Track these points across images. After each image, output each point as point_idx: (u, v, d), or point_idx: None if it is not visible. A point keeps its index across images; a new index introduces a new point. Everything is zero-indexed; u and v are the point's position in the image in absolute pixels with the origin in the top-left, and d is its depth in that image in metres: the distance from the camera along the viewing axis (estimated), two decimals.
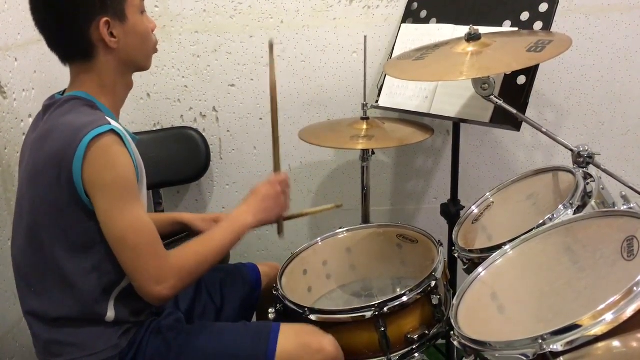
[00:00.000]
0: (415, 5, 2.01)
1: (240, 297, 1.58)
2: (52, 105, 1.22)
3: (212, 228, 1.53)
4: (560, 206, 1.31)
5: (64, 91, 1.27)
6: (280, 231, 1.53)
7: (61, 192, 1.14)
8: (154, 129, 2.19)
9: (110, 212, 1.15)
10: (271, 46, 1.45)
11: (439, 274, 1.43)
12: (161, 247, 1.20)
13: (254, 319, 1.67)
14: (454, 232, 1.59)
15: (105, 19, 1.18)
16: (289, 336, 1.31)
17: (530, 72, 1.62)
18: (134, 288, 1.20)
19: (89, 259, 1.19)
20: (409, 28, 1.99)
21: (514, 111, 1.53)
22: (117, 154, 1.15)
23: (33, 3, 1.20)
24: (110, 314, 1.23)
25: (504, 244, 1.33)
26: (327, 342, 1.32)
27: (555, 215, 1.31)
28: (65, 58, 1.24)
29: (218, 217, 1.60)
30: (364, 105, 1.88)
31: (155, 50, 1.33)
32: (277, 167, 1.51)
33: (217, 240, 1.30)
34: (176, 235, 1.63)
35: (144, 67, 1.32)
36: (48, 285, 1.22)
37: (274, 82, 1.45)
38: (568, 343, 0.93)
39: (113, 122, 1.17)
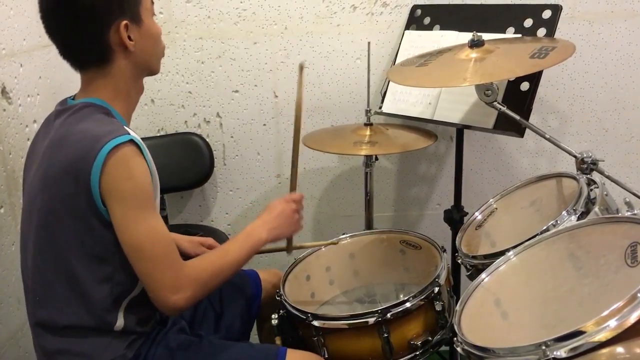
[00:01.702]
0: (419, 12, 2.02)
1: (240, 304, 1.58)
2: (65, 110, 1.21)
3: (201, 250, 1.56)
4: (564, 212, 1.31)
5: (75, 96, 1.27)
6: (289, 249, 1.55)
7: (78, 200, 1.13)
8: (158, 134, 2.20)
9: (127, 223, 1.14)
10: (301, 68, 1.47)
11: (442, 280, 1.43)
12: (178, 257, 1.20)
13: (254, 326, 1.67)
14: (457, 238, 1.58)
15: (124, 21, 1.18)
16: None
17: (534, 79, 1.62)
18: (150, 298, 1.20)
19: (103, 267, 1.19)
20: (412, 34, 1.99)
21: (518, 117, 1.53)
22: (136, 164, 1.15)
23: (47, 10, 1.19)
24: (120, 322, 1.23)
25: (508, 250, 1.33)
26: None
27: (558, 222, 1.31)
28: (81, 64, 1.23)
29: (205, 241, 1.61)
30: (368, 112, 1.89)
31: (164, 54, 1.34)
32: (293, 187, 1.53)
33: (232, 253, 1.31)
34: None
35: (155, 70, 1.32)
36: (57, 294, 1.21)
37: (300, 103, 1.46)
38: (572, 349, 0.92)
39: (131, 132, 1.17)
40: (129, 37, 1.20)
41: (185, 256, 1.33)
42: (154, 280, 1.17)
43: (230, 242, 1.35)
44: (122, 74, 1.23)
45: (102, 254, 1.18)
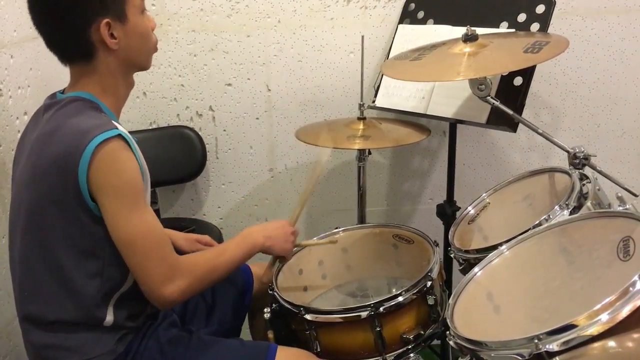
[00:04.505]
0: (413, 5, 2.01)
1: (232, 297, 1.58)
2: (54, 104, 1.20)
3: (197, 247, 1.57)
4: (556, 207, 1.31)
5: (64, 90, 1.26)
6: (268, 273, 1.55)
7: (66, 195, 1.13)
8: (150, 127, 2.19)
9: (118, 217, 1.14)
10: (323, 159, 1.71)
11: (434, 274, 1.43)
12: (171, 250, 1.20)
13: (246, 321, 1.67)
14: (450, 233, 1.59)
15: (105, 20, 1.17)
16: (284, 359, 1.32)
17: (527, 74, 1.63)
18: (143, 292, 1.20)
19: (93, 262, 1.18)
20: (406, 29, 1.99)
21: (511, 112, 1.53)
22: (124, 159, 1.14)
23: (32, 2, 1.18)
24: (109, 318, 1.22)
25: (500, 244, 1.33)
26: None
27: (551, 216, 1.31)
28: (64, 58, 1.23)
29: (202, 238, 1.61)
30: (361, 105, 1.89)
31: (156, 50, 1.32)
32: (293, 221, 1.55)
33: (229, 252, 1.32)
34: None
35: (144, 66, 1.31)
36: (46, 289, 1.20)
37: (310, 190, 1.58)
38: (564, 343, 0.93)
39: (119, 127, 1.16)
40: (113, 35, 1.19)
41: (181, 253, 1.34)
42: (147, 274, 1.17)
43: (227, 242, 1.37)
44: (108, 69, 1.22)
45: (91, 249, 1.17)
